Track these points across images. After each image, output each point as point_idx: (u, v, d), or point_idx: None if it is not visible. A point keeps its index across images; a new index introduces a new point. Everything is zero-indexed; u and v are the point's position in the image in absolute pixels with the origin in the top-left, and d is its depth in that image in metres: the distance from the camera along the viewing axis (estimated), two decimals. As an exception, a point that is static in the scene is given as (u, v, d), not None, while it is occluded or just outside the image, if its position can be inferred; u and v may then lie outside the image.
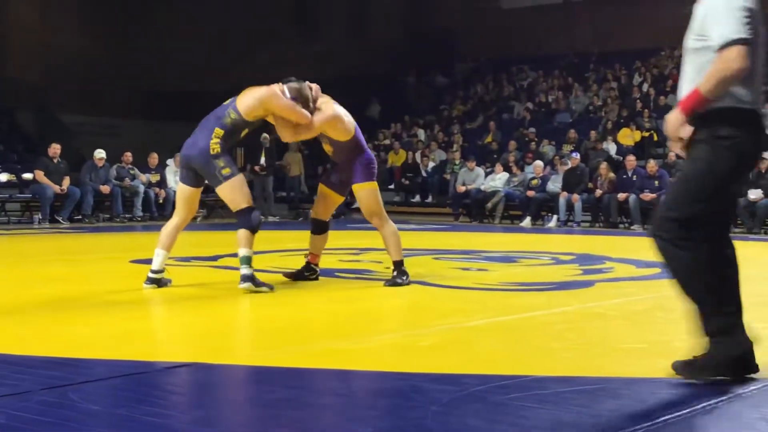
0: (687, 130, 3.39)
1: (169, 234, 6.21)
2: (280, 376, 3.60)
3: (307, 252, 6.77)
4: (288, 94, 6.08)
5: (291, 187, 19.54)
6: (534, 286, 6.73)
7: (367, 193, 6.54)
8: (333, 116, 6.31)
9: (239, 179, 6.03)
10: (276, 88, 6.11)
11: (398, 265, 6.51)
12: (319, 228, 6.73)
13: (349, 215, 17.22)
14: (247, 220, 5.96)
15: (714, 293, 3.40)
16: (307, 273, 6.69)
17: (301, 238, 6.99)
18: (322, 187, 6.74)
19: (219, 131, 5.95)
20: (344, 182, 6.67)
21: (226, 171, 5.94)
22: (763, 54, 3.39)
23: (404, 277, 6.47)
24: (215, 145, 5.93)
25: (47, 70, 23.42)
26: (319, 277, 6.76)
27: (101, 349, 4.04)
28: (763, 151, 3.45)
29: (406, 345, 4.31)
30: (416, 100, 25.77)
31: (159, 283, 6.15)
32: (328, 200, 6.72)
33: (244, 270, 5.91)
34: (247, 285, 5.89)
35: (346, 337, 4.60)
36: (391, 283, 6.43)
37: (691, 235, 3.36)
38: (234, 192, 5.99)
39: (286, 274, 6.72)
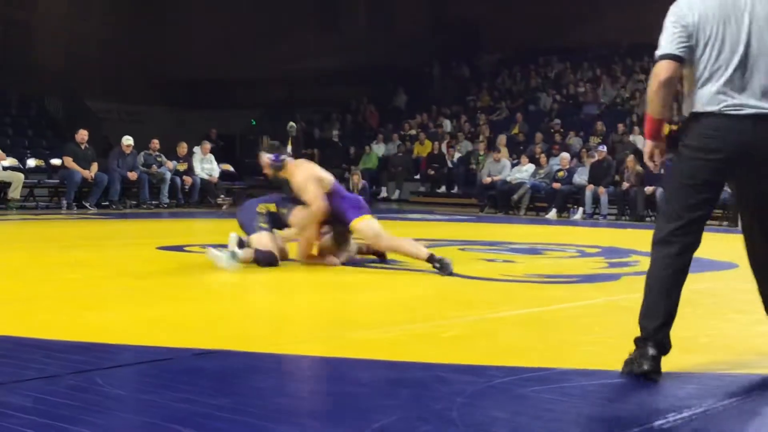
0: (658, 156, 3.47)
1: None
2: (303, 365, 3.61)
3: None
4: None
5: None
6: (559, 278, 6.70)
7: (364, 224, 6.77)
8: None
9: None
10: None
11: (432, 257, 6.52)
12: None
13: (376, 205, 17.21)
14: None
15: None
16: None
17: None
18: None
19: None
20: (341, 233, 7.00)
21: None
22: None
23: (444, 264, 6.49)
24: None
25: (74, 57, 23.60)
26: (347, 266, 6.87)
27: (127, 335, 4.07)
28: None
29: (430, 335, 4.30)
30: (442, 90, 25.70)
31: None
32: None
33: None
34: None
35: (369, 326, 4.60)
36: (449, 272, 6.41)
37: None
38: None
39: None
